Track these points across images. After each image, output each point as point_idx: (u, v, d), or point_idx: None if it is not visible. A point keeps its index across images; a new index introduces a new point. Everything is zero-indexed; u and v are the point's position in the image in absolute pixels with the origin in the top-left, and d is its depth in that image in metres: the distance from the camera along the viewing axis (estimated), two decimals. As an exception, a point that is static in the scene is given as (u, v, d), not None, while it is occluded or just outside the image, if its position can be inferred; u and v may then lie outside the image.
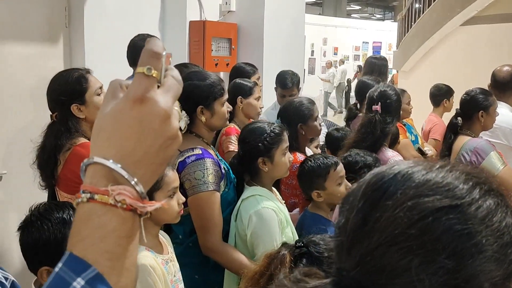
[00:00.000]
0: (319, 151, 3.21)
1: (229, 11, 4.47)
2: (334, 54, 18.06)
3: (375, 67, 4.15)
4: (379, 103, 2.55)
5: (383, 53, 18.36)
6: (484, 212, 0.64)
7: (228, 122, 2.38)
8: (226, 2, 4.43)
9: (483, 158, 2.70)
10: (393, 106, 2.60)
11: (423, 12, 8.81)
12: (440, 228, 0.62)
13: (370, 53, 19.51)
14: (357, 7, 24.41)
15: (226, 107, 2.20)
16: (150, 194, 1.73)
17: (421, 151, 3.85)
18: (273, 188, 2.25)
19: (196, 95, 2.11)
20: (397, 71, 8.86)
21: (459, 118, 2.89)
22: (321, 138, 3.91)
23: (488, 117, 2.82)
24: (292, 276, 0.73)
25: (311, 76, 16.22)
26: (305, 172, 2.22)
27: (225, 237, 2.13)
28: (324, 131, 4.09)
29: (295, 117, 2.66)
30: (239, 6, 4.48)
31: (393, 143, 3.76)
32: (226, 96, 2.20)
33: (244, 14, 4.46)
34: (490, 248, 0.62)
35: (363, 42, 19.22)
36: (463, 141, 2.80)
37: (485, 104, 2.81)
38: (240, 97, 2.81)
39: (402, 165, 0.70)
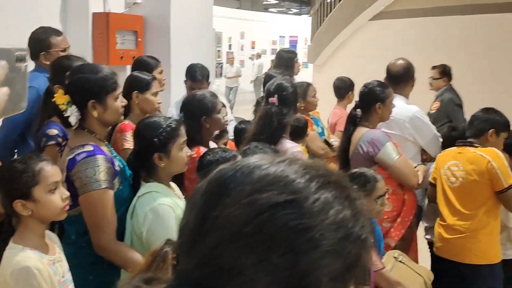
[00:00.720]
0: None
1: (134, 3, 4.36)
2: (252, 48, 18.18)
3: (282, 60, 4.21)
4: (276, 95, 2.58)
5: (299, 47, 18.74)
6: (320, 205, 0.63)
7: (123, 117, 2.30)
8: (132, -6, 4.32)
9: (379, 149, 2.80)
10: (290, 98, 2.64)
11: (334, 7, 9.05)
12: (276, 225, 0.61)
13: (286, 47, 19.85)
14: (274, 1, 24.70)
15: (120, 102, 2.12)
16: (28, 190, 1.65)
17: (327, 143, 3.95)
18: (172, 184, 2.21)
19: (87, 89, 2.03)
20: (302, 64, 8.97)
21: (358, 110, 2.97)
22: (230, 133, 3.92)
23: (385, 108, 2.92)
24: (133, 282, 0.70)
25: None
26: (203, 166, 2.20)
27: (122, 235, 2.07)
28: (234, 124, 4.10)
29: (198, 110, 2.63)
30: (146, -3, 4.39)
31: (301, 135, 3.84)
32: (119, 90, 2.13)
33: (150, 6, 4.37)
34: (327, 242, 0.61)
35: (280, 36, 19.47)
36: (361, 133, 2.89)
37: (382, 96, 2.90)
38: (136, 91, 2.72)
39: (246, 161, 0.69)
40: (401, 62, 3.31)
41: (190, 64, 3.65)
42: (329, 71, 8.94)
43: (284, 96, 2.61)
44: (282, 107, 2.58)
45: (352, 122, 2.98)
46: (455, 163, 2.80)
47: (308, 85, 4.08)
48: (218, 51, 16.50)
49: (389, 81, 3.27)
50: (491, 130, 2.80)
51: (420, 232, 3.24)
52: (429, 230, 3.19)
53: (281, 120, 2.59)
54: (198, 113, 2.61)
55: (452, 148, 2.90)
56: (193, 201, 0.67)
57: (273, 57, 17.37)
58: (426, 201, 3.17)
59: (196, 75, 3.57)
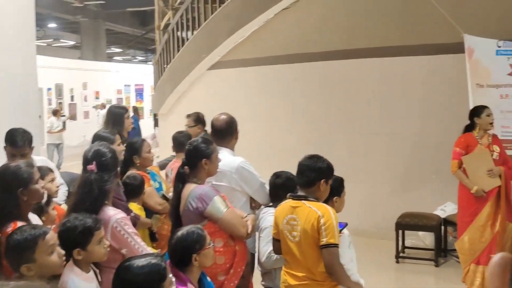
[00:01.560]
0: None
1: None
2: (96, 99, 17.70)
3: (111, 116, 4.16)
4: (94, 162, 2.54)
5: (145, 95, 18.68)
6: None
7: None
8: None
9: (208, 204, 2.87)
10: (109, 163, 2.61)
11: (173, 57, 9.22)
12: None
13: (133, 96, 19.66)
14: (118, 50, 24.45)
15: None
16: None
17: (165, 198, 3.96)
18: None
19: None
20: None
21: (185, 167, 3.04)
22: (61, 198, 3.73)
23: (211, 164, 3.03)
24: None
25: (73, 122, 15.59)
26: (10, 247, 2.05)
27: None
28: (64, 189, 3.92)
29: (14, 182, 2.48)
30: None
31: (138, 194, 3.79)
32: None
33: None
34: None
35: (125, 85, 19.27)
36: (190, 189, 2.95)
37: (207, 152, 3.01)
38: None
39: None
40: (224, 117, 3.46)
41: (10, 129, 3.45)
42: (174, 119, 9.01)
43: (103, 162, 2.57)
44: (102, 174, 2.54)
45: (181, 179, 3.03)
46: (293, 218, 2.83)
47: (142, 141, 4.08)
48: (60, 103, 15.81)
49: (214, 135, 3.40)
50: (322, 180, 2.84)
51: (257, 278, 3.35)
52: (264, 275, 3.32)
53: (102, 187, 2.53)
54: (13, 185, 2.47)
55: (288, 201, 2.92)
56: None
57: (120, 106, 17.00)
58: (257, 245, 3.29)
59: (16, 140, 3.39)
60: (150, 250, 2.71)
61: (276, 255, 3.10)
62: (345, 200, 3.12)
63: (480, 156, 4.73)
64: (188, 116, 5.20)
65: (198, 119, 5.11)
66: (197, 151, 3.00)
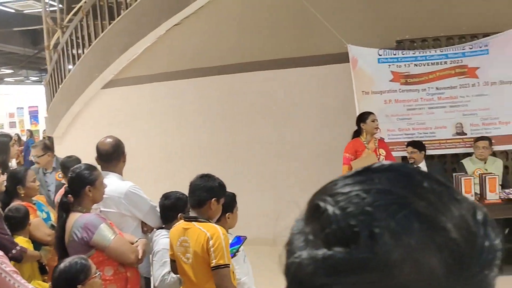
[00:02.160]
0: None
1: None
2: (-14, 123, 16.66)
3: (-4, 144, 3.94)
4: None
5: (41, 117, 17.77)
6: None
7: None
8: None
9: (93, 233, 2.77)
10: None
11: (65, 77, 8.86)
12: None
13: (27, 118, 18.64)
14: (9, 71, 23.10)
15: None
16: None
17: (54, 228, 3.77)
18: None
19: None
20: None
21: (69, 196, 2.91)
22: None
23: (96, 190, 2.92)
24: None
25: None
26: None
27: None
28: None
29: None
30: None
31: (22, 226, 3.59)
32: None
33: None
34: None
35: (18, 108, 18.25)
36: (74, 219, 2.83)
37: (90, 179, 2.90)
38: None
39: None
40: (110, 141, 3.36)
41: None
42: (70, 142, 8.66)
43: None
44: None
45: (64, 209, 2.90)
46: (185, 239, 2.80)
47: (26, 170, 3.89)
48: None
49: (101, 160, 3.30)
50: (213, 199, 2.82)
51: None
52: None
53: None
54: None
55: (181, 222, 2.89)
56: None
57: (12, 131, 16.13)
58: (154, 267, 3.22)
59: None
60: (32, 287, 2.57)
61: (170, 277, 3.04)
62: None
63: (367, 160, 4.97)
64: (34, 146, 5.08)
65: (46, 147, 5.03)
66: (80, 178, 2.88)
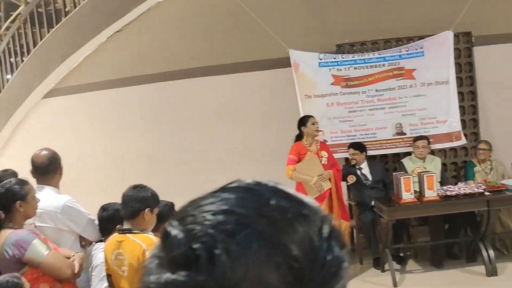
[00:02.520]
0: None
1: None
2: None
3: None
4: None
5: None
6: None
7: None
8: None
9: (26, 249, 2.69)
10: None
11: (3, 87, 8.59)
12: None
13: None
14: None
15: None
16: None
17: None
18: None
19: None
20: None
21: (0, 212, 2.81)
22: None
23: (28, 205, 2.84)
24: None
25: None
26: None
27: None
28: None
29: None
30: None
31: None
32: None
33: None
34: None
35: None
36: (5, 236, 2.74)
37: (21, 193, 2.82)
38: None
39: None
40: (45, 153, 3.27)
41: None
42: (12, 154, 8.38)
43: None
44: None
45: (-3, 226, 2.81)
46: (120, 252, 2.76)
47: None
48: None
49: (36, 173, 3.21)
50: (146, 210, 2.78)
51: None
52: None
53: None
54: None
55: (115, 235, 2.84)
56: None
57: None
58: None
59: None
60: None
61: None
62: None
63: (310, 162, 5.05)
64: None
65: None
66: (10, 193, 2.80)
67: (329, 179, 5.03)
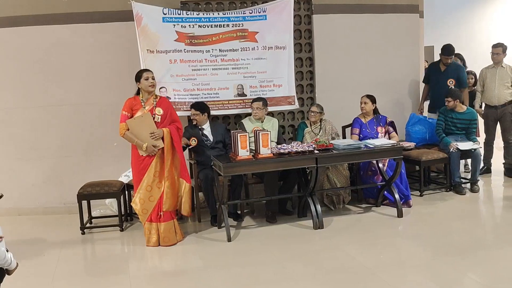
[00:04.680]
0: None
1: None
2: None
3: None
4: None
5: None
6: None
7: None
8: None
9: None
10: None
11: None
12: None
13: None
14: None
15: None
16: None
17: None
18: None
19: None
20: None
21: None
22: None
23: None
24: None
25: None
26: None
27: None
28: None
29: None
30: None
31: None
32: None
33: None
34: None
35: None
36: None
37: None
38: None
39: None
40: None
41: None
42: None
43: None
44: None
45: None
46: None
47: None
48: None
49: None
50: None
51: None
52: None
53: None
54: None
55: None
56: None
57: None
58: None
59: None
60: None
61: None
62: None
63: (143, 119, 4.90)
64: None
65: None
66: None
67: (162, 138, 4.90)
